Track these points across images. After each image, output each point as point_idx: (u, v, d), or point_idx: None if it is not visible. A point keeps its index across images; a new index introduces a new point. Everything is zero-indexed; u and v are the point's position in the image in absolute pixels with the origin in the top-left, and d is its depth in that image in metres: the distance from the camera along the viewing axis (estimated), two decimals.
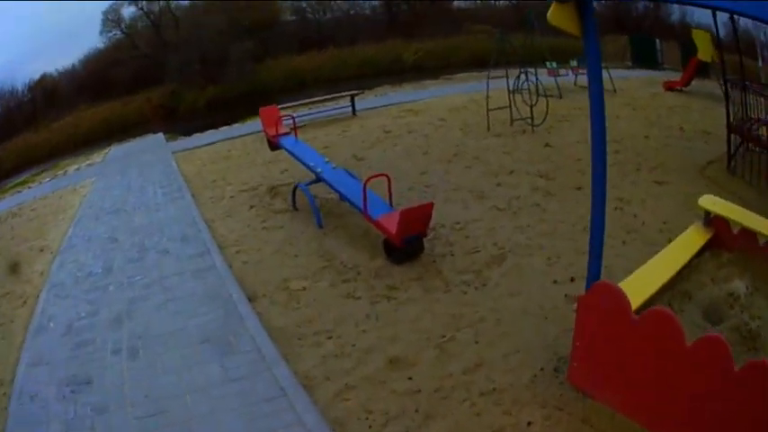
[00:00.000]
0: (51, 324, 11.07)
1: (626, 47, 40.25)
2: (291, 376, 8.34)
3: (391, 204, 12.81)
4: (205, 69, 38.20)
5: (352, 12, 47.02)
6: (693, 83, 27.61)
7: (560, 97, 24.38)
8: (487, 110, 21.42)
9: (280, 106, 20.21)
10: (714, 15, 17.16)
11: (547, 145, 19.09)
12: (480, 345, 8.63)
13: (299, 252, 12.85)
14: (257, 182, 18.59)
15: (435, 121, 24.10)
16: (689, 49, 30.50)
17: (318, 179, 14.62)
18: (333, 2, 46.22)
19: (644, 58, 38.10)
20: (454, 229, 12.98)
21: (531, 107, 21.01)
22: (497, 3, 47.38)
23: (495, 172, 16.68)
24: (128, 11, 41.02)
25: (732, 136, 15.96)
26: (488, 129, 21.53)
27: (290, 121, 17.48)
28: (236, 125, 30.48)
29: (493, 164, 17.47)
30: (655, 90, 27.79)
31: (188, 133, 30.15)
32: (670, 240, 9.09)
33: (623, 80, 28.39)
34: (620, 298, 6.32)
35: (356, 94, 28.09)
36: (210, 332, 9.72)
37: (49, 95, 37.55)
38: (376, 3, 47.31)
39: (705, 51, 26.21)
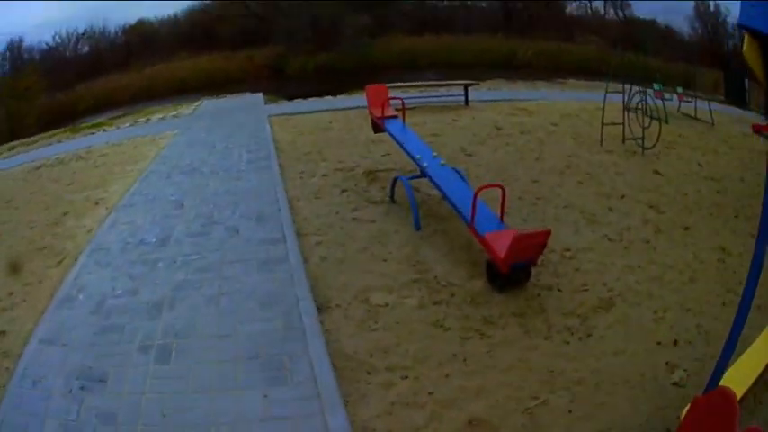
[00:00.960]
0: (81, 296, 9.56)
1: (719, 81, 37.24)
2: (347, 428, 6.54)
3: (502, 219, 10.71)
4: (317, 36, 35.98)
5: (468, 2, 44.16)
6: None
7: (666, 122, 22.11)
8: (602, 123, 19.23)
9: (389, 85, 17.78)
10: None
11: (656, 172, 16.94)
12: (574, 416, 7.02)
13: (389, 256, 10.91)
14: (355, 162, 16.49)
15: (548, 125, 21.72)
16: None
17: (423, 174, 12.58)
18: None
19: (734, 95, 35.49)
20: (564, 258, 11.03)
21: (644, 129, 18.82)
22: (608, 16, 42.71)
23: (607, 194, 14.77)
24: None
25: None
26: (601, 143, 19.36)
27: (399, 103, 14.98)
28: (341, 96, 28.06)
29: (605, 184, 15.50)
30: (745, 129, 25.53)
31: (290, 98, 28.72)
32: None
33: (716, 113, 26.45)
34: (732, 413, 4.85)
35: (471, 85, 25.50)
36: (263, 346, 7.89)
37: (146, 42, 35.24)
38: None
39: None
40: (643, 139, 18.57)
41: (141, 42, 34.44)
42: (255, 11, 36.56)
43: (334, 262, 10.55)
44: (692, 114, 26.27)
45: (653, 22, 28.72)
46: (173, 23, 35.79)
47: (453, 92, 25.78)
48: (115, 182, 15.73)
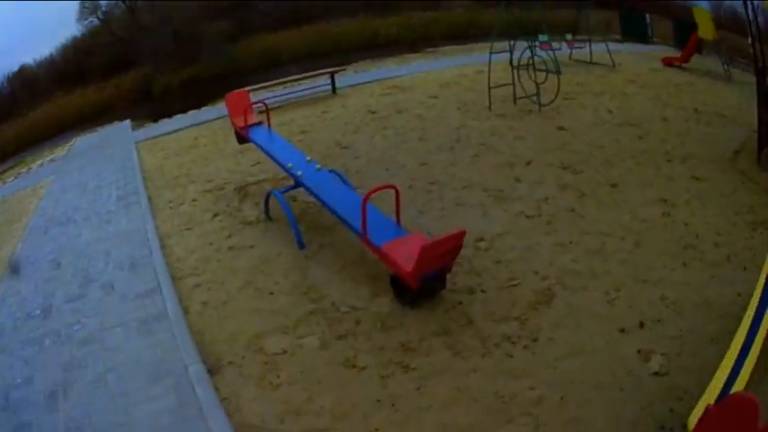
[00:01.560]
0: None
1: (610, 20, 36.58)
2: None
3: (399, 222, 9.58)
4: (179, 51, 34.90)
5: None
6: (692, 60, 25.19)
7: (560, 72, 20.46)
8: (489, 86, 18.27)
9: (253, 87, 17.98)
10: None
11: (561, 128, 16.15)
12: None
13: (276, 287, 9.69)
14: (224, 178, 15.36)
15: (427, 99, 20.53)
16: (684, 25, 29.10)
17: (297, 184, 11.48)
18: None
19: (633, 32, 35.65)
20: (478, 250, 9.98)
21: (537, 84, 17.98)
22: None
23: (509, 162, 13.82)
24: None
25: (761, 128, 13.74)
26: (490, 108, 18.24)
27: (262, 107, 14.16)
28: (205, 108, 26.42)
29: (505, 152, 14.56)
30: (653, 65, 25.17)
31: (157, 118, 27.01)
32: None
33: (616, 53, 25.47)
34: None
35: (337, 71, 24.36)
36: None
37: (28, 86, 34.19)
38: None
39: (706, 29, 24.26)
40: (538, 94, 17.97)
41: (25, 88, 33.86)
42: (121, 36, 35.95)
43: (217, 306, 9.42)
44: (588, 60, 25.59)
45: None
46: (49, 63, 35.23)
47: (320, 82, 24.45)
48: (3, 244, 14.46)
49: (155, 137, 22.16)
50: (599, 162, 13.47)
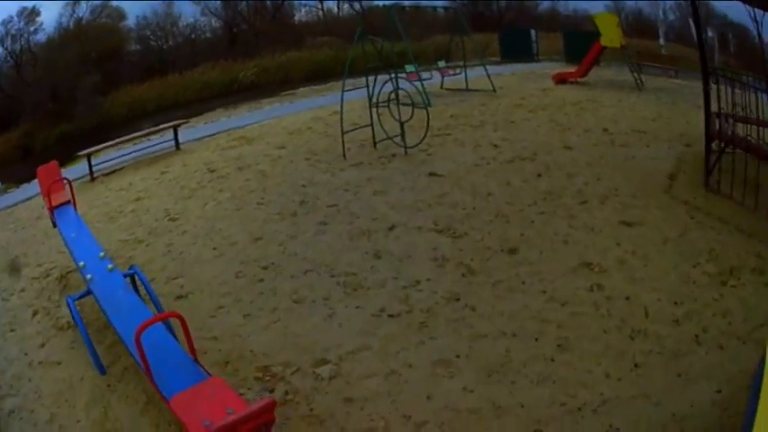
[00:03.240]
0: None
1: (486, 43, 35.08)
2: None
3: (195, 359, 7.01)
4: (56, 106, 32.97)
5: (193, 36, 41.81)
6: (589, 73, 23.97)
7: (429, 104, 18.40)
8: (342, 130, 15.44)
9: (96, 148, 17.27)
10: None
11: (433, 174, 13.34)
12: None
13: (78, 426, 7.37)
14: (53, 261, 12.31)
15: (273, 151, 17.66)
16: (574, 36, 29.99)
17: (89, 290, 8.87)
18: (175, 28, 41.07)
19: (515, 51, 34.67)
20: (320, 380, 7.11)
21: (401, 123, 15.18)
22: (342, 15, 42.06)
23: (367, 230, 10.76)
24: None
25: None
26: (344, 156, 15.41)
27: (66, 185, 11.87)
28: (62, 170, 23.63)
29: (361, 214, 11.56)
30: (541, 84, 23.53)
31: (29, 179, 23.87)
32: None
33: (496, 77, 23.63)
34: None
35: (179, 125, 22.04)
36: None
37: None
38: (217, 25, 42.39)
39: (611, 36, 22.68)
40: (403, 134, 15.34)
41: None
42: (11, 93, 34.13)
43: None
44: (465, 87, 23.30)
45: (397, 6, 23.92)
46: None
47: (166, 137, 21.95)
48: None
49: (9, 206, 19.47)
50: (488, 217, 10.63)
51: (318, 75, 32.31)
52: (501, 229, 9.96)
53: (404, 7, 24.59)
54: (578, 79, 23.42)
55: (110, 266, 9.11)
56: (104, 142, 19.53)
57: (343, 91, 15.35)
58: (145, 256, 11.16)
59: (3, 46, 34.60)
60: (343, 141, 15.41)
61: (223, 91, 34.77)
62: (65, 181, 12.03)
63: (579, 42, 26.58)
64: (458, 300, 8.10)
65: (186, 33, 40.92)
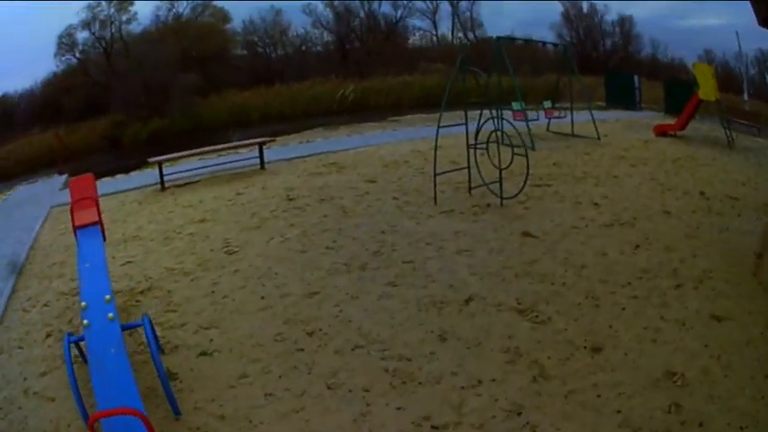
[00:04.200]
0: None
1: (593, 86, 33.76)
2: None
3: None
4: (149, 101, 33.27)
5: (303, 48, 42.74)
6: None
7: (532, 148, 17.95)
8: (435, 173, 13.89)
9: (176, 156, 16.84)
10: None
11: (527, 234, 11.68)
12: None
13: None
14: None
15: (361, 184, 16.27)
16: (675, 86, 28.48)
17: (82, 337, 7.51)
18: (285, 37, 42.21)
19: (620, 97, 33.07)
20: None
21: (500, 169, 13.52)
22: (456, 41, 41.56)
23: (439, 301, 8.99)
24: (81, 35, 36.30)
25: None
26: (435, 201, 13.83)
27: (93, 206, 10.05)
28: (134, 173, 22.51)
29: (437, 278, 9.82)
30: (643, 136, 22.09)
31: (107, 174, 23.16)
32: None
33: (601, 123, 22.42)
34: None
35: (266, 142, 20.41)
36: None
37: (6, 117, 33.39)
38: (329, 39, 43.55)
39: (708, 89, 21.19)
40: (500, 182, 13.66)
41: (3, 119, 33.11)
42: (98, 79, 34.75)
43: None
44: (570, 131, 22.06)
45: (506, 38, 23.62)
46: (29, 97, 34.46)
47: (253, 152, 20.46)
48: None
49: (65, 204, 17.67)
50: (577, 298, 8.95)
51: (429, 102, 29.99)
52: (589, 316, 8.36)
53: (513, 39, 23.85)
54: (677, 132, 22.02)
55: (110, 315, 7.56)
56: (199, 146, 18.75)
57: (438, 126, 13.74)
58: (185, 292, 9.88)
59: (90, 30, 35.70)
60: (435, 184, 14.01)
61: (330, 108, 34.22)
62: (95, 198, 10.32)
63: (678, 92, 25.51)
64: (520, 414, 6.45)
65: (297, 44, 41.78)
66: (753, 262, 9.76)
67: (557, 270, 9.90)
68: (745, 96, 30.71)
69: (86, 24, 35.41)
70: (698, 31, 35.85)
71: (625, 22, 41.79)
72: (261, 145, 19.57)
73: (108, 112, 33.21)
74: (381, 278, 9.99)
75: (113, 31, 36.18)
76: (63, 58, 35.28)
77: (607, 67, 39.15)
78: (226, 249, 12.02)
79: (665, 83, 30.81)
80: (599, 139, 20.64)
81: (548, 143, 20.25)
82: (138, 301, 9.55)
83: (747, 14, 10.68)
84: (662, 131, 22.31)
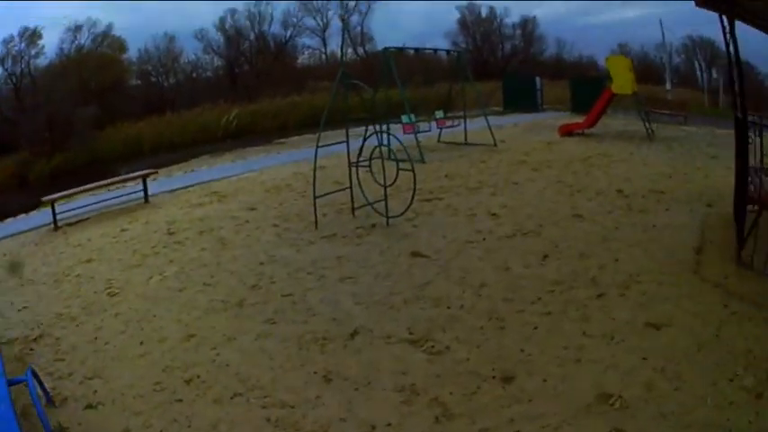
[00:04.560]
0: None
1: (491, 91, 34.97)
2: None
3: None
4: (53, 135, 33.73)
5: (194, 74, 45.24)
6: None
7: (422, 161, 17.62)
8: (314, 196, 13.19)
9: (65, 193, 16.35)
10: None
11: (416, 254, 10.87)
12: None
13: None
14: (23, 321, 10.30)
15: (242, 212, 15.57)
16: (582, 83, 28.87)
17: None
18: (176, 64, 44.84)
19: (520, 100, 33.06)
20: None
21: (385, 187, 13.01)
22: (346, 58, 44.36)
23: (321, 337, 8.03)
24: None
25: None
26: (316, 225, 13.10)
27: None
28: (33, 213, 20.59)
29: (319, 311, 8.87)
30: (546, 137, 21.85)
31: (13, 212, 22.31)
32: None
33: (498, 129, 22.20)
34: None
35: (148, 175, 19.55)
36: None
37: None
38: (219, 64, 46.21)
39: (623, 82, 20.88)
40: (386, 200, 12.99)
41: None
42: (8, 115, 35.96)
43: None
44: (464, 140, 21.48)
45: (397, 49, 23.75)
46: None
47: (139, 186, 19.34)
48: None
49: None
50: (478, 321, 8.01)
51: (316, 121, 29.67)
52: (494, 340, 7.40)
53: (401, 49, 23.28)
54: (586, 130, 21.71)
55: None
56: (99, 179, 18.43)
57: (317, 146, 13.10)
58: (71, 339, 8.97)
59: (3, 67, 37.34)
60: (315, 208, 13.26)
61: (217, 135, 34.97)
62: None
63: (587, 90, 25.50)
64: None
65: (188, 71, 44.70)
66: (692, 258, 9.36)
67: (452, 291, 9.07)
68: (668, 86, 30.90)
69: (0, 60, 37.31)
70: (610, 26, 36.36)
71: (528, 24, 42.75)
72: (144, 178, 18.86)
73: (18, 149, 33.64)
74: (259, 315, 9.11)
75: (23, 66, 37.96)
76: None
77: (505, 71, 39.53)
78: (108, 291, 11.10)
79: (570, 81, 30.90)
80: (495, 145, 20.21)
81: (439, 154, 19.80)
82: (31, 350, 8.84)
83: (669, 4, 10.20)
84: (568, 131, 21.97)
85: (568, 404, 5.94)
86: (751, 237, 8.87)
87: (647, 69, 27.64)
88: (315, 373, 7.16)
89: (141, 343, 8.54)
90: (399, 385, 6.64)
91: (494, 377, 6.59)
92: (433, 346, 7.40)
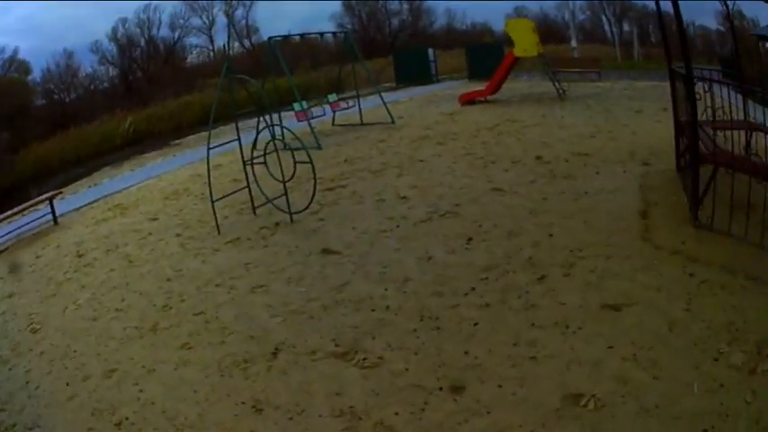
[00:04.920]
0: None
1: (381, 68, 34.95)
2: None
3: None
4: None
5: (92, 87, 43.58)
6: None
7: (319, 147, 16.84)
8: (212, 200, 12.20)
9: None
10: None
11: (326, 251, 9.94)
12: None
13: None
14: None
15: (144, 224, 14.28)
16: (478, 49, 28.76)
17: None
18: (75, 79, 43.13)
19: (413, 74, 32.43)
20: None
21: (284, 182, 11.95)
22: (234, 52, 42.66)
23: (242, 359, 7.15)
24: None
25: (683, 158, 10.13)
26: (218, 230, 12.08)
27: None
28: None
29: (235, 329, 7.93)
30: (447, 108, 21.05)
31: None
32: None
33: (394, 105, 21.62)
34: None
35: (54, 196, 17.74)
36: None
37: None
38: (114, 74, 44.83)
39: (526, 45, 20.28)
40: (287, 195, 12.01)
41: None
42: None
43: None
44: (360, 121, 20.64)
45: (283, 36, 24.28)
46: None
47: (44, 209, 18.08)
48: None
49: None
50: (409, 323, 7.13)
51: (218, 116, 29.76)
52: (432, 344, 6.53)
53: (287, 37, 23.02)
54: (488, 97, 21.14)
55: None
56: (15, 204, 17.50)
57: (209, 147, 12.08)
58: (7, 386, 8.14)
59: None
60: (214, 213, 12.25)
61: (117, 144, 33.32)
62: None
63: (484, 56, 25.55)
64: None
65: (86, 84, 42.96)
66: (639, 224, 8.71)
67: (373, 291, 8.16)
68: (574, 43, 30.86)
69: None
70: None
71: None
72: (51, 200, 17.35)
73: None
74: (174, 340, 8.15)
75: None
76: None
77: (394, 46, 39.09)
78: (31, 327, 10.11)
79: (466, 48, 30.53)
80: (393, 122, 19.45)
81: (336, 137, 19.01)
82: None
83: None
84: (469, 99, 21.35)
85: (534, 411, 5.23)
86: (707, 196, 8.17)
87: (548, 30, 27.37)
88: (243, 403, 6.34)
89: (67, 384, 7.69)
90: (337, 409, 5.82)
91: (441, 388, 5.81)
92: (364, 359, 6.57)
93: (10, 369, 8.72)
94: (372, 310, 7.54)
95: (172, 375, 7.26)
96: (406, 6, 43.11)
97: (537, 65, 22.58)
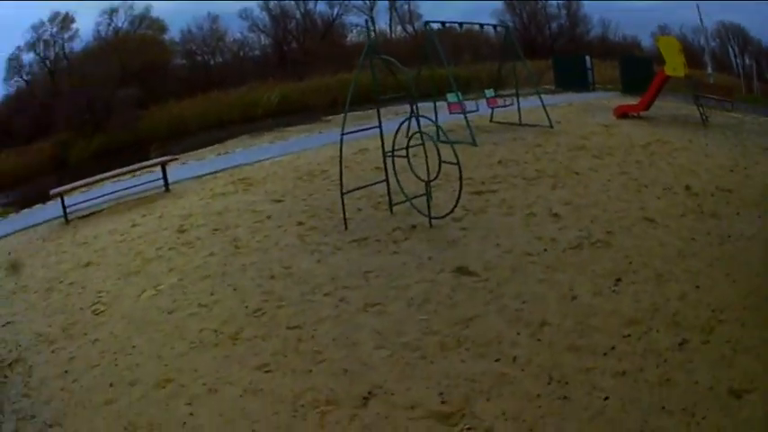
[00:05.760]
0: None
1: (540, 70, 32.88)
2: None
3: None
4: (93, 117, 32.43)
5: (241, 53, 42.46)
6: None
7: (474, 144, 15.61)
8: (341, 192, 10.97)
9: (69, 186, 15.09)
10: None
11: (461, 270, 8.50)
12: None
13: None
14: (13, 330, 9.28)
15: (266, 205, 13.28)
16: (633, 63, 27.58)
17: None
18: (222, 44, 42.06)
19: (571, 79, 31.09)
20: None
21: (428, 182, 10.62)
22: (395, 36, 42.49)
23: (324, 400, 5.88)
24: (27, 57, 36.21)
25: None
26: (346, 226, 10.86)
27: None
28: (51, 203, 18.14)
29: (328, 356, 6.72)
30: (602, 119, 19.80)
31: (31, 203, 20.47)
32: None
33: (551, 108, 19.98)
34: None
35: (167, 162, 17.46)
36: None
37: None
38: (266, 43, 43.34)
39: (676, 64, 19.26)
40: (428, 196, 10.77)
41: None
42: (42, 99, 33.97)
43: None
44: (517, 120, 19.57)
45: (441, 23, 21.46)
46: None
47: (156, 173, 17.64)
48: None
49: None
50: (535, 384, 5.80)
51: (367, 98, 29.19)
52: (552, 420, 5.20)
53: (443, 23, 20.90)
54: (640, 113, 19.89)
55: None
56: (141, 160, 17.51)
57: (343, 132, 11.09)
58: (43, 370, 7.56)
59: (35, 51, 35.40)
60: (343, 206, 11.00)
61: (264, 112, 33.51)
62: None
63: (635, 69, 24.89)
64: None
65: (234, 50, 41.82)
66: None
67: (504, 333, 6.78)
68: (709, 69, 29.73)
69: (32, 46, 35.22)
70: (644, 9, 35.08)
71: (572, 4, 42.03)
72: (164, 165, 16.85)
73: (53, 132, 32.53)
74: (254, 357, 7.04)
75: (57, 50, 36.04)
76: (12, 81, 35.05)
77: (554, 50, 38.11)
78: (94, 308, 9.37)
79: (620, 59, 29.29)
80: (551, 126, 18.21)
81: (492, 135, 17.69)
82: (5, 377, 7.62)
83: None
84: (623, 113, 20.26)
85: None
86: None
87: (687, 52, 26.20)
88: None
89: (111, 385, 6.89)
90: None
91: None
92: (469, 429, 5.20)
93: (53, 351, 8.14)
94: (497, 360, 6.27)
95: (234, 403, 6.24)
96: (564, 12, 42.26)
97: (678, 85, 21.41)
